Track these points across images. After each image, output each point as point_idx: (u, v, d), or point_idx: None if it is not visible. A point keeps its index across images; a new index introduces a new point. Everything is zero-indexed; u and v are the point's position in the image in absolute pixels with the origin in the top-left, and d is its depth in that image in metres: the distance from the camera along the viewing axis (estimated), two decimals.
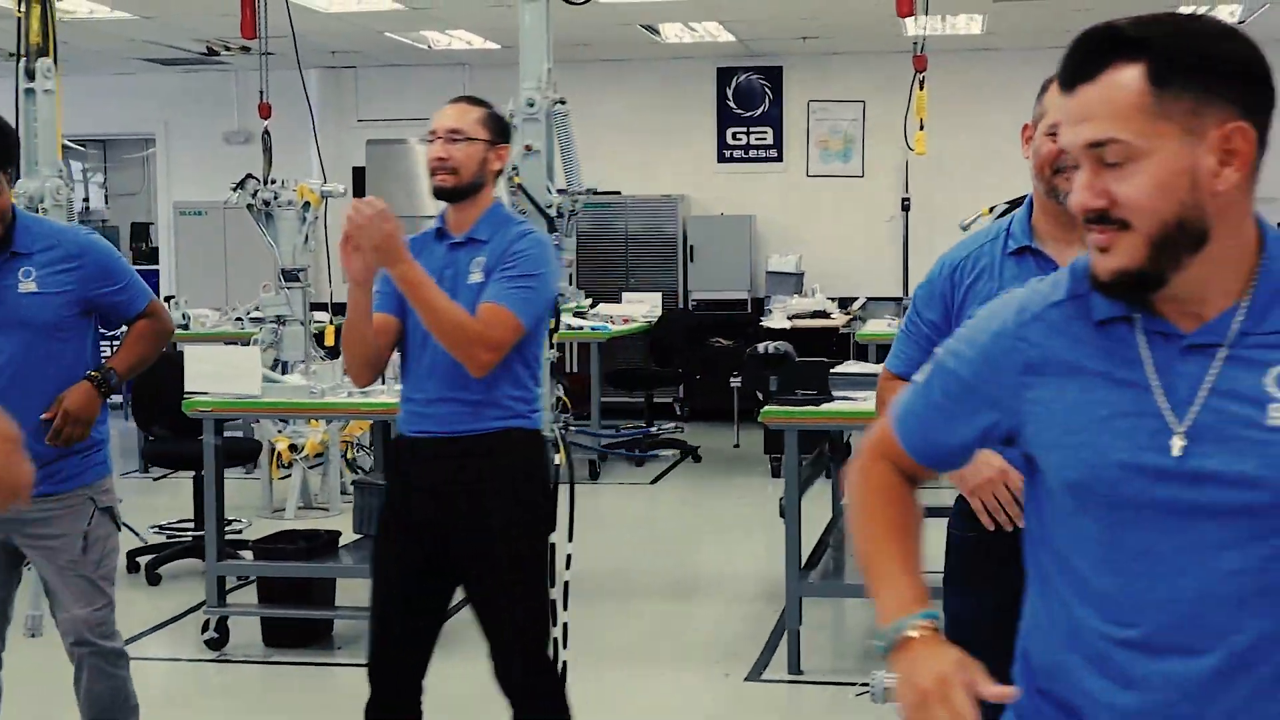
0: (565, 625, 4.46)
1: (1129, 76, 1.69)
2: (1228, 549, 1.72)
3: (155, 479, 7.96)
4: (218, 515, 6.20)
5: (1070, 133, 1.74)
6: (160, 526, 7.97)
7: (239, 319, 10.11)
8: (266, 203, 8.56)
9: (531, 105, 4.87)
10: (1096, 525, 1.79)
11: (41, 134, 4.78)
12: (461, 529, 3.70)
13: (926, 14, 9.43)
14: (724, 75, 13.43)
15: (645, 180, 13.17)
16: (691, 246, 13.02)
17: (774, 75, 13.35)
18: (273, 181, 9.19)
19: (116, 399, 6.41)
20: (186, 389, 6.14)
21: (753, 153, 13.44)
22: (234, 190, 8.57)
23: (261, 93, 9.50)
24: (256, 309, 9.11)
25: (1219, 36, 1.72)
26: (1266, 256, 1.77)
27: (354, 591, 6.17)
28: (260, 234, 8.52)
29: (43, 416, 3.87)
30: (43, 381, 3.89)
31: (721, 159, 13.49)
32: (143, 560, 7.49)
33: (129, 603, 7.24)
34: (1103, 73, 1.71)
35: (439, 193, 3.71)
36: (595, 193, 6.70)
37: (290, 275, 8.65)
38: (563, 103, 4.97)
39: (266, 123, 9.53)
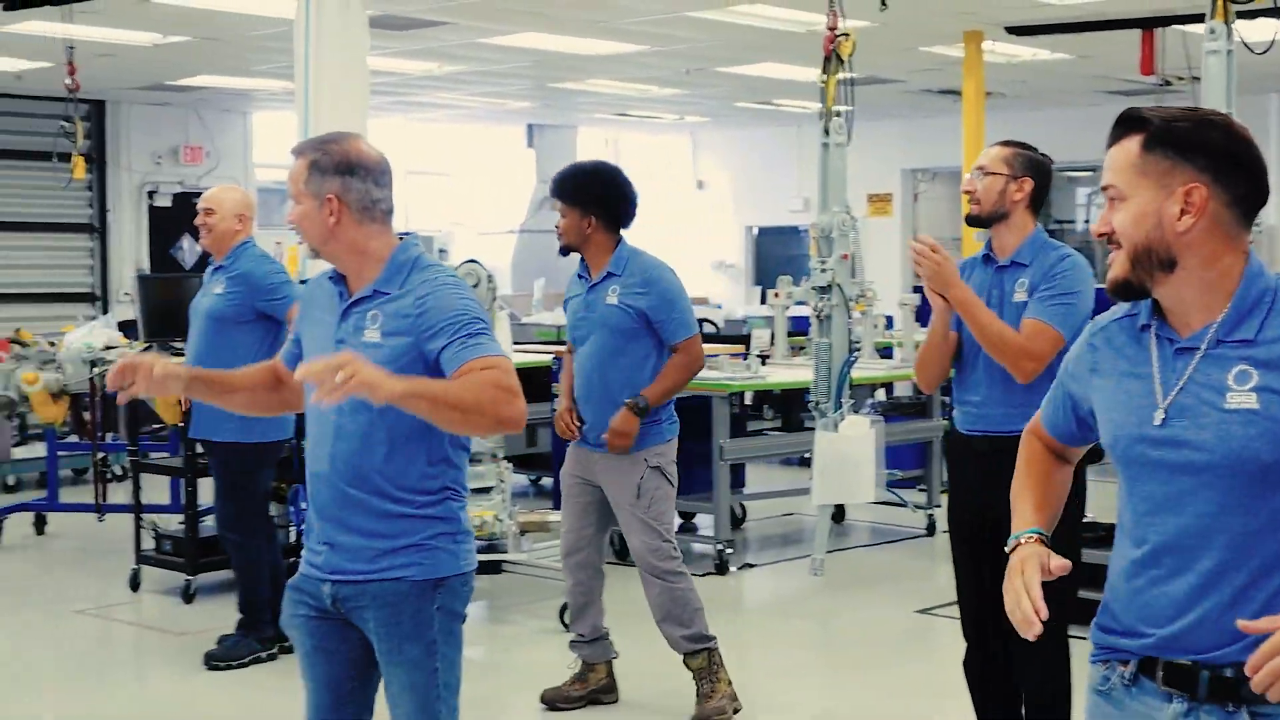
0: None
1: (1131, 143, 2.35)
2: (1197, 498, 2.32)
3: None
4: None
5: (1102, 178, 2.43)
6: None
7: None
8: None
9: None
10: (1122, 477, 2.46)
11: (832, 179, 6.05)
12: (1009, 517, 4.33)
13: None
14: None
15: None
16: None
17: None
18: None
19: None
20: None
21: None
22: None
23: None
24: None
25: (1203, 124, 2.32)
26: (1244, 285, 2.34)
27: None
28: None
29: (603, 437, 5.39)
30: (616, 371, 5.39)
31: None
32: None
33: None
34: (1120, 140, 2.37)
35: (966, 219, 4.44)
36: None
37: None
38: None
39: None
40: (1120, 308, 2.53)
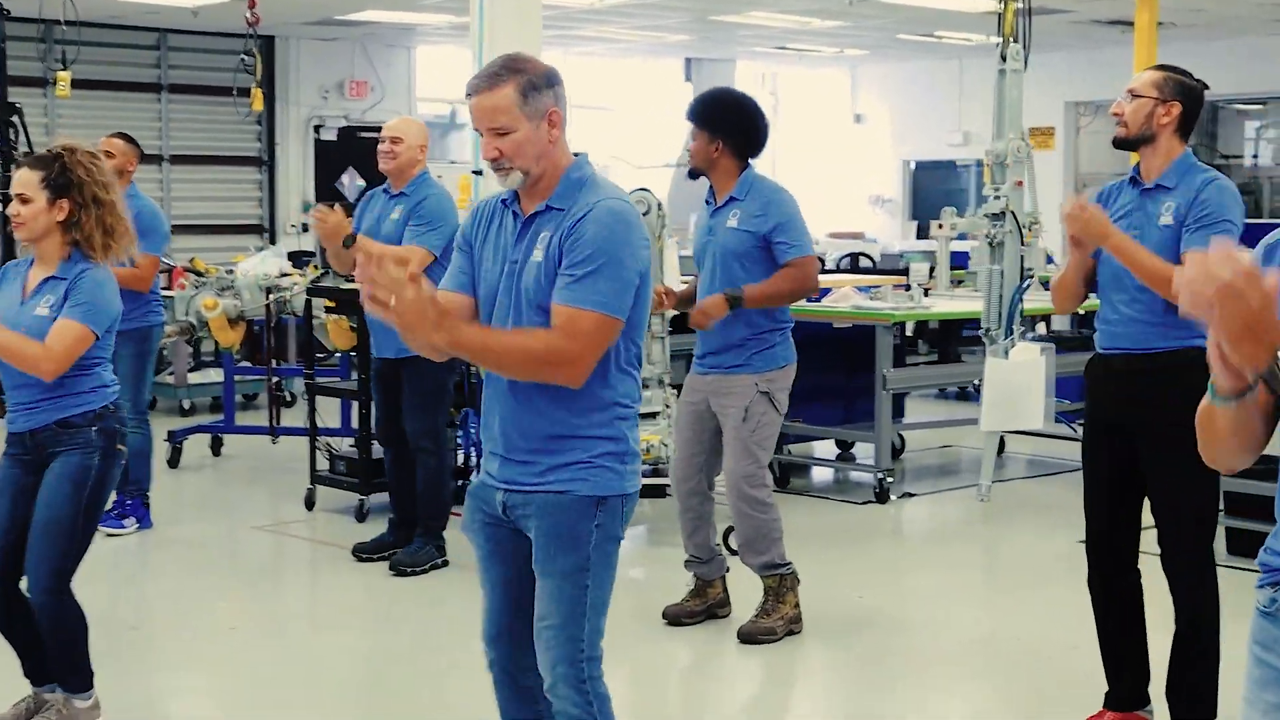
0: None
1: None
2: None
3: None
4: None
5: None
6: None
7: None
8: None
9: None
10: None
11: (1009, 106, 5.99)
12: (1144, 431, 4.29)
13: None
14: None
15: None
16: None
17: None
18: None
19: None
20: None
21: None
22: None
23: None
24: None
25: None
26: None
27: None
28: None
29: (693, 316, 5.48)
30: None
31: None
32: None
33: None
34: None
35: (1114, 141, 4.41)
36: None
37: None
38: None
39: None
40: None
